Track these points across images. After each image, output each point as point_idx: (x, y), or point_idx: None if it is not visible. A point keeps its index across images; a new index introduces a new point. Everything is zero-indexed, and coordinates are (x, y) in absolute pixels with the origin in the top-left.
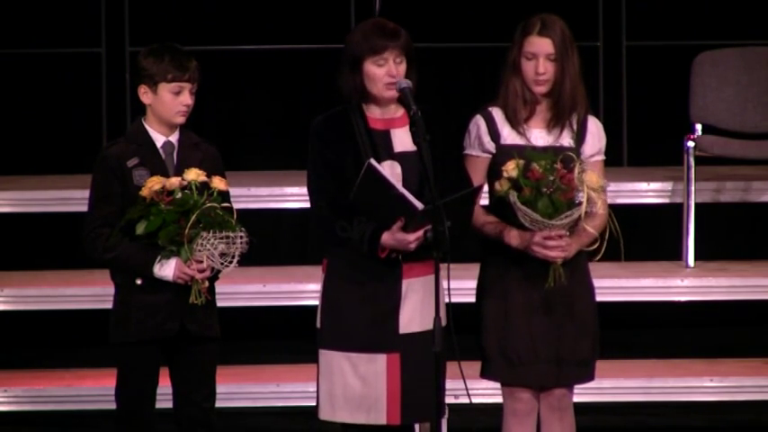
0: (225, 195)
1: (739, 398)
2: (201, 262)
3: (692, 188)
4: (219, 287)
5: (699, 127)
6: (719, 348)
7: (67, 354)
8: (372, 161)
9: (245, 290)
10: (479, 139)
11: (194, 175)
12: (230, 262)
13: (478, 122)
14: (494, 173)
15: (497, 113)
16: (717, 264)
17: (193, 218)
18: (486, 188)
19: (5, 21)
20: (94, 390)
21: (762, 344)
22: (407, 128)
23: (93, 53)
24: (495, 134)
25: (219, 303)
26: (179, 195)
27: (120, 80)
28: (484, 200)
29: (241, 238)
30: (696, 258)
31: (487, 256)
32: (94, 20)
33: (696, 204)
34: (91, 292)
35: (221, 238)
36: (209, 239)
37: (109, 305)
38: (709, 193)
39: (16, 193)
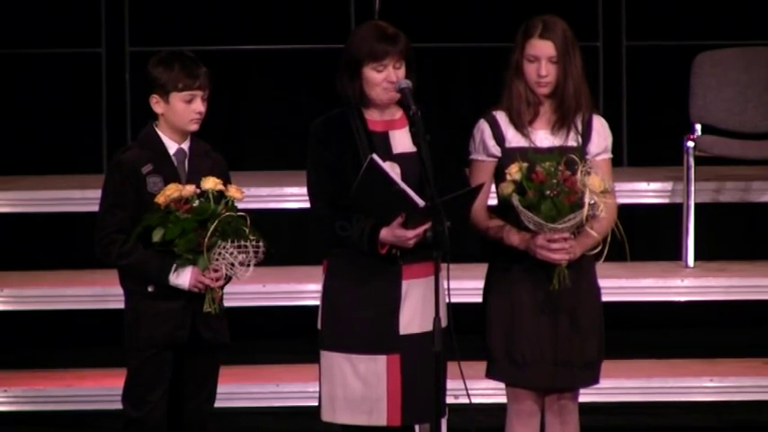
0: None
1: (739, 398)
2: (218, 271)
3: (692, 188)
4: None
5: (699, 127)
6: (719, 348)
7: (67, 354)
8: (375, 156)
9: (245, 290)
10: (484, 143)
11: (212, 183)
12: (245, 271)
13: (482, 127)
14: (500, 176)
15: (501, 117)
16: (716, 264)
17: (212, 227)
18: (494, 190)
19: (5, 21)
20: (94, 390)
21: (762, 344)
22: (406, 129)
23: (93, 53)
24: (499, 138)
25: None
26: (195, 203)
27: (120, 80)
28: (492, 201)
29: (259, 247)
30: (696, 258)
31: (494, 257)
32: (94, 20)
33: (696, 204)
34: (91, 292)
35: (238, 247)
36: (228, 249)
37: (109, 305)
38: (709, 193)
39: (16, 193)
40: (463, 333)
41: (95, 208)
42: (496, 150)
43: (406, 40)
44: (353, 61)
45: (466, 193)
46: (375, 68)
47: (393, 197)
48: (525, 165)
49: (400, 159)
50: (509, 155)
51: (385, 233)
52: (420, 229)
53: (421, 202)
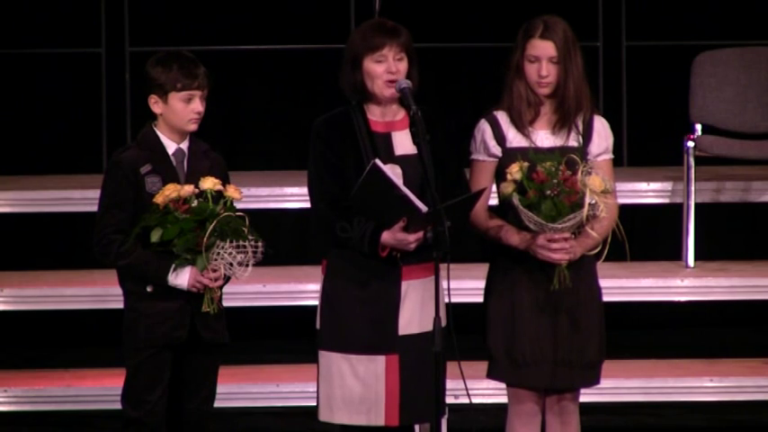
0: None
1: (739, 398)
2: (217, 271)
3: (692, 188)
4: None
5: (699, 127)
6: (719, 348)
7: (67, 354)
8: (377, 161)
9: (245, 290)
10: (485, 143)
11: (211, 183)
12: (244, 271)
13: (483, 127)
14: (501, 176)
15: (502, 117)
16: (717, 264)
17: (211, 227)
18: (494, 190)
19: (5, 21)
20: (94, 390)
21: (762, 344)
22: (408, 130)
23: (93, 53)
24: (500, 138)
25: None
26: (194, 203)
27: (119, 80)
28: (492, 201)
29: (258, 247)
30: (696, 258)
31: (495, 257)
32: (94, 20)
33: (696, 204)
34: (91, 292)
35: (237, 248)
36: (226, 249)
37: (108, 305)
38: (709, 193)
39: (16, 193)
40: (463, 333)
41: (95, 208)
42: (497, 150)
43: (407, 33)
44: (354, 55)
45: (467, 198)
46: (375, 60)
47: (395, 201)
48: (526, 164)
49: (402, 161)
50: (510, 155)
51: (386, 236)
52: (421, 233)
53: (423, 208)
